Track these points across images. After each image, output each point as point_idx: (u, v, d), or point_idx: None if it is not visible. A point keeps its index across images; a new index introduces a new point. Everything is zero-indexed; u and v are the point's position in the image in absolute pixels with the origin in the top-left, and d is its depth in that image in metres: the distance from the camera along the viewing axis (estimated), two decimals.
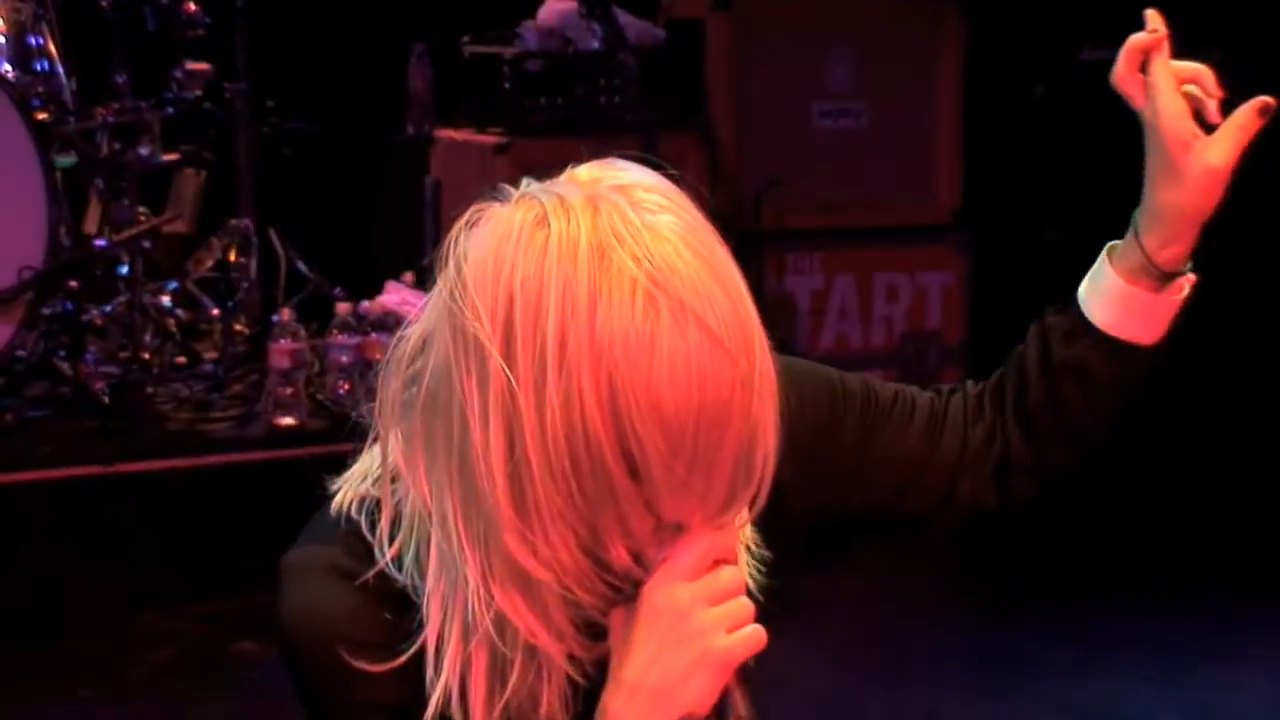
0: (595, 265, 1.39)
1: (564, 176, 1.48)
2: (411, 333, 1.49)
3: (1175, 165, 1.64)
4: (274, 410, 5.31)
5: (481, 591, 1.44)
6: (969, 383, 1.79)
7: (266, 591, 1.54)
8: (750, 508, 1.48)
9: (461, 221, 1.47)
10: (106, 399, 5.26)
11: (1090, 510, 5.30)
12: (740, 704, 1.46)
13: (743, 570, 1.55)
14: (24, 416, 5.22)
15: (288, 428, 5.24)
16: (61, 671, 4.50)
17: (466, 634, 1.46)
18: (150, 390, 5.44)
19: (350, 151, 6.37)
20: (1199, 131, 1.64)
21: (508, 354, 1.39)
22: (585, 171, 1.48)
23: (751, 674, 1.58)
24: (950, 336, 6.47)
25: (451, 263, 1.44)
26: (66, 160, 5.48)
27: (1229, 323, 5.60)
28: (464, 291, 1.42)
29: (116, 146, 5.59)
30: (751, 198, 6.06)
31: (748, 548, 1.58)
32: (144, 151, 5.62)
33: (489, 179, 5.92)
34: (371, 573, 1.49)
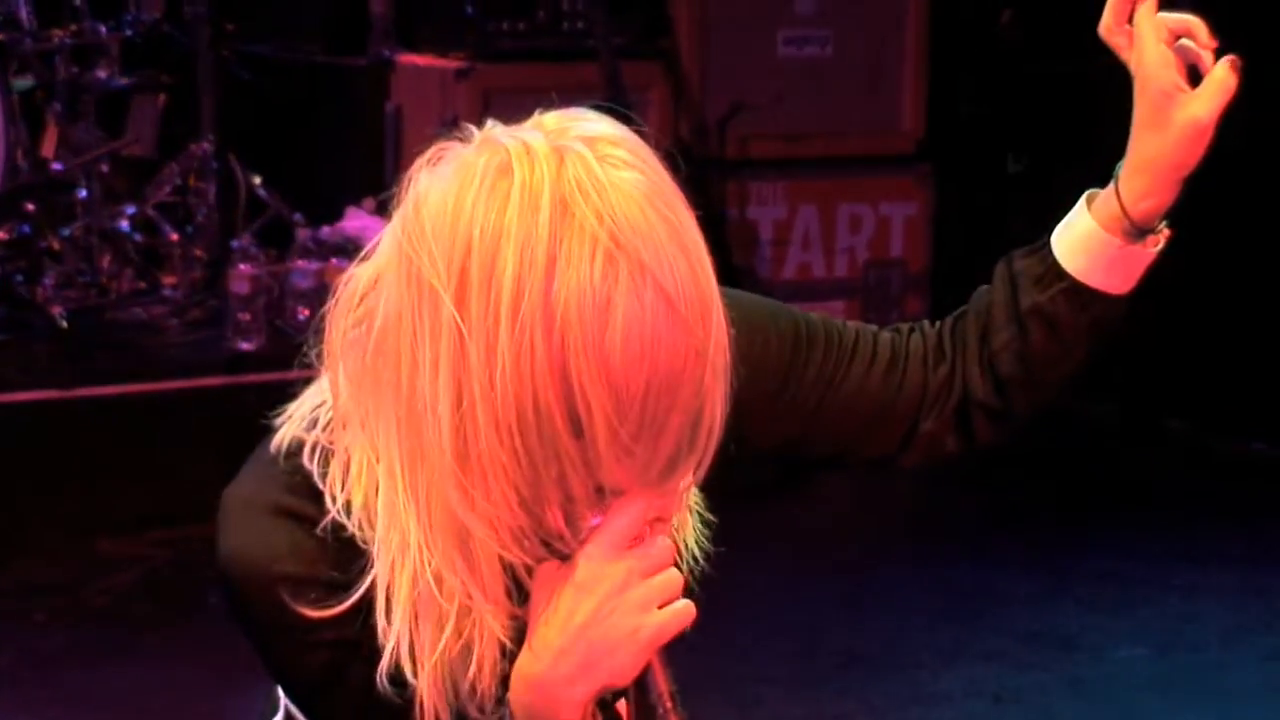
0: (557, 220, 1.35)
1: (530, 122, 1.44)
2: (364, 271, 1.46)
3: (1158, 116, 1.62)
4: (233, 335, 5.29)
5: (422, 545, 1.42)
6: (926, 322, 1.78)
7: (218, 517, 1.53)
8: (694, 473, 1.45)
9: (422, 159, 1.43)
10: (65, 323, 5.23)
11: (1051, 442, 5.34)
12: (660, 678, 1.44)
13: (686, 533, 1.53)
14: None
15: (247, 353, 5.22)
16: (19, 595, 4.49)
17: (414, 582, 1.44)
18: (109, 315, 5.41)
19: (311, 76, 6.32)
20: (1183, 84, 1.62)
21: (461, 305, 1.36)
22: (552, 119, 1.43)
23: (703, 602, 1.58)
24: (913, 266, 6.47)
25: (410, 203, 1.42)
26: (23, 83, 5.43)
27: (1203, 261, 5.63)
28: (421, 236, 1.39)
29: (74, 69, 5.53)
30: (715, 125, 6.04)
31: (693, 510, 1.56)
32: (102, 74, 5.57)
33: (450, 104, 5.88)
34: (325, 521, 1.47)
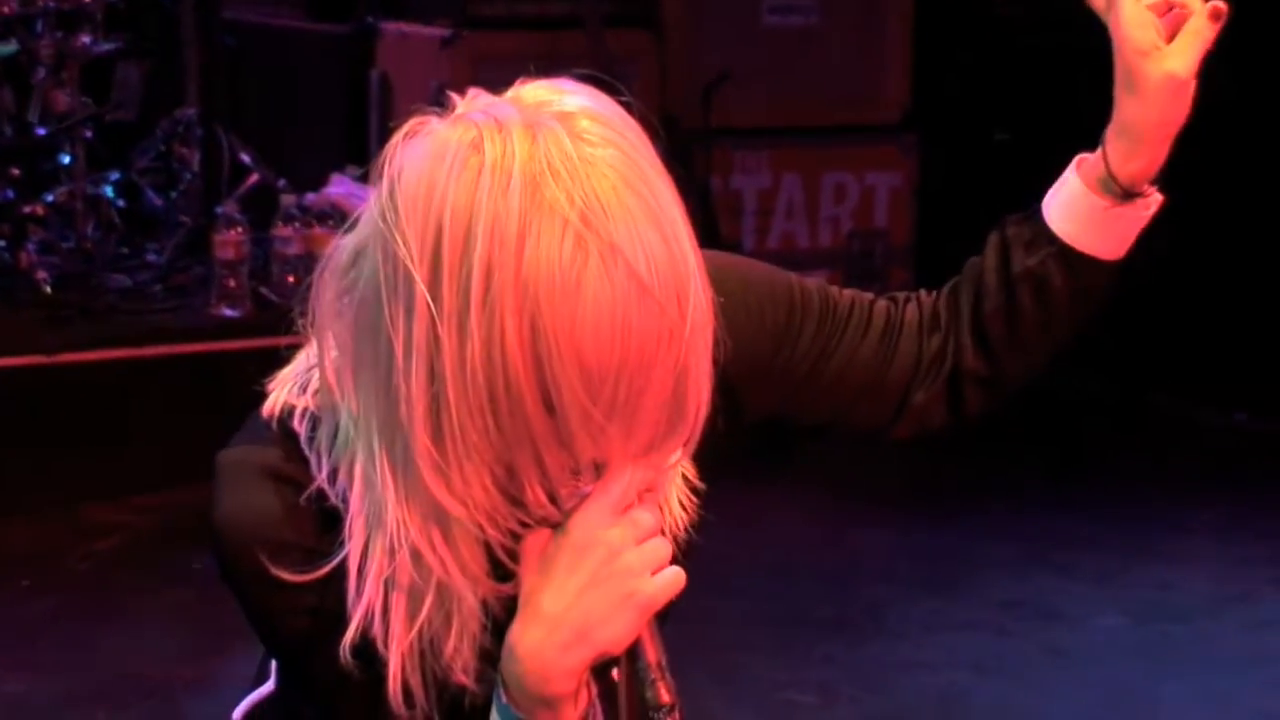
0: (527, 199, 1.34)
1: (510, 94, 1.43)
2: (347, 243, 1.45)
3: (1135, 74, 1.61)
4: (218, 302, 5.28)
5: (399, 520, 1.42)
6: (923, 291, 1.77)
7: (209, 483, 1.53)
8: (684, 447, 1.45)
9: (400, 133, 1.41)
10: (49, 289, 5.22)
11: (1034, 413, 5.35)
12: (650, 647, 1.44)
13: (673, 505, 1.53)
14: None
15: (231, 319, 5.22)
16: (3, 562, 4.49)
17: (391, 555, 1.44)
18: (93, 281, 5.40)
19: (296, 43, 6.30)
20: (1160, 41, 1.60)
21: (433, 284, 1.35)
22: (532, 92, 1.42)
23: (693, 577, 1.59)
24: (897, 237, 6.48)
25: (386, 179, 1.40)
26: (7, 48, 5.41)
27: (1189, 235, 5.64)
28: (395, 215, 1.38)
29: (58, 34, 5.50)
30: (701, 94, 6.03)
31: (684, 477, 1.56)
32: (86, 39, 5.54)
33: (436, 72, 5.86)
34: (311, 489, 1.47)
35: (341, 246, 1.45)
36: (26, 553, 4.56)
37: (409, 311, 1.37)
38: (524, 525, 1.43)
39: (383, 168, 1.41)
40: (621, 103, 1.44)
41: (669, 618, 1.61)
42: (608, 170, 1.36)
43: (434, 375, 1.37)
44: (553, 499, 1.42)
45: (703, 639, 4.07)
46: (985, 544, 4.81)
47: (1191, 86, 1.61)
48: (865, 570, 4.67)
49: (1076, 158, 1.68)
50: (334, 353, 1.46)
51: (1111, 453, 5.59)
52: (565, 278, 1.33)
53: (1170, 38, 1.61)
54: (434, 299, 1.35)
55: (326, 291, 1.45)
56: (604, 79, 1.47)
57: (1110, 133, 1.65)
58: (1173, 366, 5.93)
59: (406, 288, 1.37)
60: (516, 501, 1.42)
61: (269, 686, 1.73)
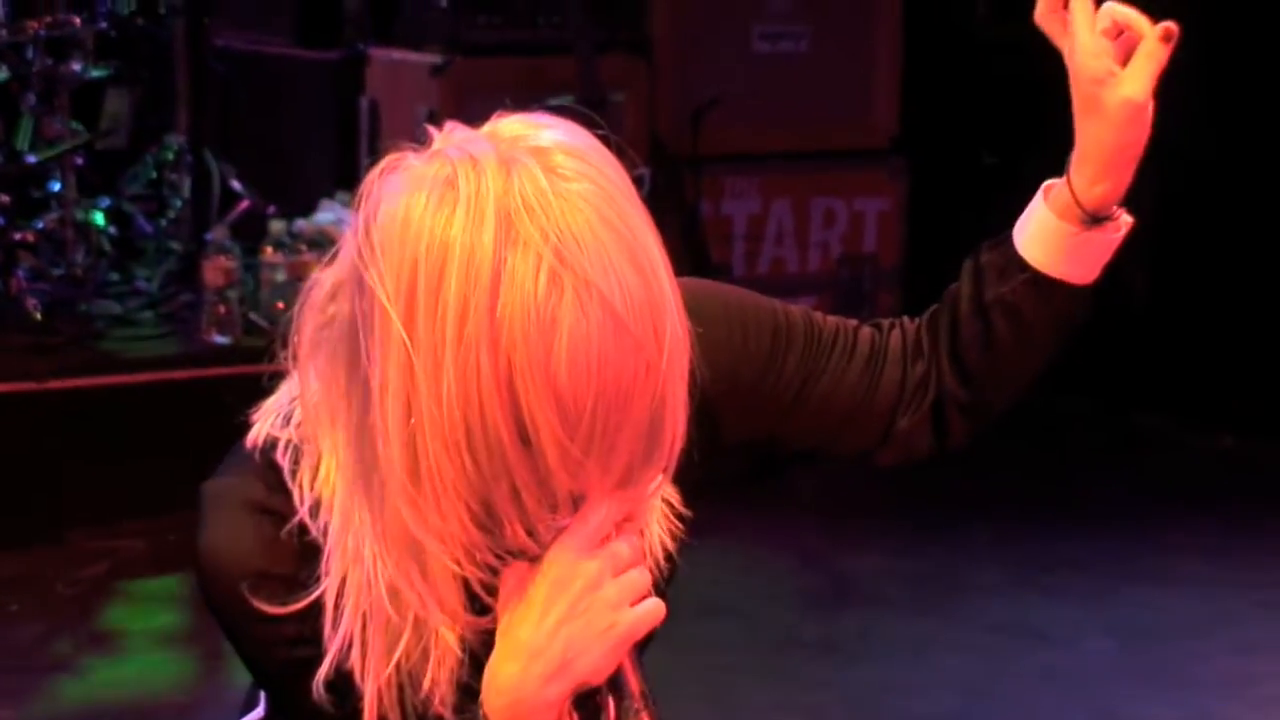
0: (501, 236, 1.34)
1: (487, 128, 1.43)
2: (326, 277, 1.46)
3: (1093, 102, 1.61)
4: (207, 328, 5.28)
5: (376, 555, 1.42)
6: (905, 318, 1.78)
7: (198, 510, 1.54)
8: (661, 476, 1.45)
9: (376, 169, 1.42)
10: (39, 315, 5.22)
11: (1022, 434, 5.36)
12: (632, 677, 1.44)
13: (653, 533, 1.53)
14: None
15: (221, 345, 5.22)
16: None
17: (369, 589, 1.45)
18: (83, 307, 5.40)
19: (285, 69, 6.31)
20: (1114, 67, 1.60)
21: (409, 321, 1.35)
22: (508, 126, 1.42)
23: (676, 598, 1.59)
24: (887, 261, 6.49)
25: (362, 215, 1.40)
26: None
27: (1175, 255, 5.65)
28: (370, 252, 1.38)
29: (49, 61, 5.51)
30: (690, 120, 6.04)
31: (668, 504, 1.56)
32: (76, 66, 5.55)
33: (425, 99, 5.86)
34: (293, 522, 1.48)
35: (321, 280, 1.46)
36: (14, 578, 4.55)
37: (385, 348, 1.37)
38: (501, 560, 1.43)
39: (359, 203, 1.41)
40: (599, 135, 1.44)
41: (650, 645, 1.61)
42: (582, 205, 1.36)
43: (410, 412, 1.36)
44: (530, 534, 1.42)
45: (692, 661, 4.07)
46: (974, 567, 4.81)
47: (1149, 109, 1.62)
48: (854, 593, 4.67)
49: (1044, 184, 1.69)
50: (314, 385, 1.46)
51: (1099, 475, 5.60)
52: (540, 314, 1.34)
53: (1123, 62, 1.61)
54: (409, 336, 1.35)
55: (307, 325, 1.46)
56: (584, 111, 1.48)
57: (1073, 159, 1.65)
58: (1160, 388, 5.94)
59: (383, 325, 1.37)
60: (494, 537, 1.41)
61: (258, 713, 1.73)
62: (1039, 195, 1.68)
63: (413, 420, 1.36)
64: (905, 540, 5.05)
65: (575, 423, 1.35)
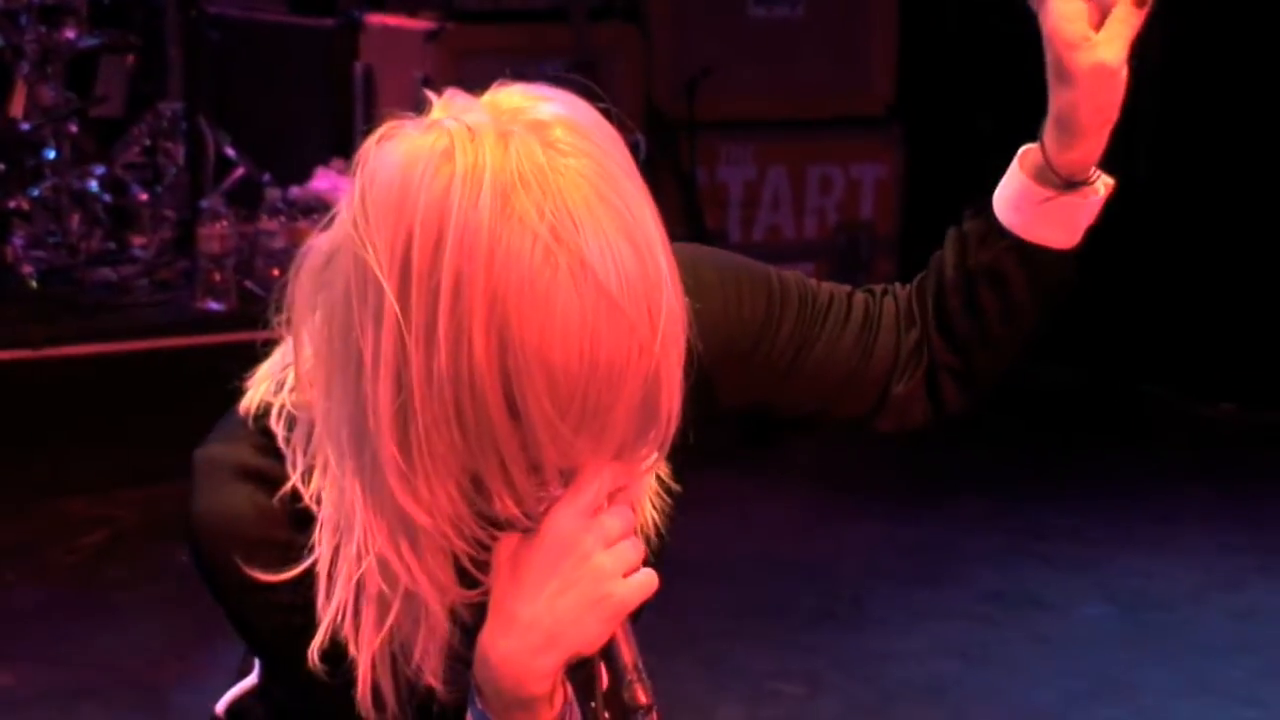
0: (496, 210, 1.32)
1: (486, 97, 1.40)
2: (321, 243, 1.43)
3: (1064, 65, 1.60)
4: (203, 295, 5.28)
5: (366, 527, 1.41)
6: (899, 285, 1.76)
7: (190, 477, 1.54)
8: (656, 452, 1.44)
9: (373, 137, 1.39)
10: (35, 283, 5.22)
11: (1020, 402, 5.36)
12: (625, 648, 1.44)
13: (645, 507, 1.53)
14: None
15: (217, 313, 5.22)
16: None
17: (360, 559, 1.43)
18: (79, 275, 5.40)
19: (279, 36, 6.29)
20: (1089, 32, 1.59)
21: (402, 294, 1.34)
22: (508, 97, 1.40)
23: (671, 562, 1.58)
24: (883, 228, 6.48)
25: (358, 184, 1.38)
26: None
27: (1174, 224, 5.65)
28: (365, 223, 1.36)
29: (42, 29, 5.50)
30: (686, 87, 6.03)
31: (658, 479, 1.55)
32: (70, 34, 5.54)
33: (420, 66, 5.83)
34: (285, 488, 1.47)
35: (316, 246, 1.44)
36: (11, 546, 4.56)
37: (377, 320, 1.36)
38: (493, 536, 1.43)
39: (356, 171, 1.40)
40: (600, 108, 1.43)
41: (642, 616, 1.61)
42: (580, 181, 1.35)
43: (401, 385, 1.35)
44: (521, 508, 1.41)
45: (689, 629, 4.08)
46: (970, 534, 4.82)
47: (1123, 74, 1.60)
48: (850, 560, 4.68)
49: (1021, 149, 1.68)
50: (308, 352, 1.45)
51: (1097, 442, 5.61)
52: (534, 289, 1.32)
53: (1098, 26, 1.60)
54: (402, 309, 1.34)
55: (301, 291, 1.44)
56: (579, 80, 1.46)
57: (1047, 124, 1.64)
58: (1159, 356, 5.94)
59: (376, 296, 1.36)
60: (483, 511, 1.41)
61: (252, 679, 1.73)
62: (1015, 161, 1.67)
63: (403, 393, 1.36)
64: (902, 508, 5.06)
65: (566, 401, 1.34)
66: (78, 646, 4.07)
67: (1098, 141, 1.63)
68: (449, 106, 1.41)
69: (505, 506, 1.40)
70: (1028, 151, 1.66)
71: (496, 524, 1.42)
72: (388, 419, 1.37)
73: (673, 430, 1.43)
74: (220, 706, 1.77)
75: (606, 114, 1.43)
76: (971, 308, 1.69)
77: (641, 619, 1.58)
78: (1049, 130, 1.64)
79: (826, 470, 5.21)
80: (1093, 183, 1.66)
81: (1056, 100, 1.62)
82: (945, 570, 4.59)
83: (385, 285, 1.35)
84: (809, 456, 5.25)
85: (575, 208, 1.34)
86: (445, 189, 1.34)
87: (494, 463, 1.37)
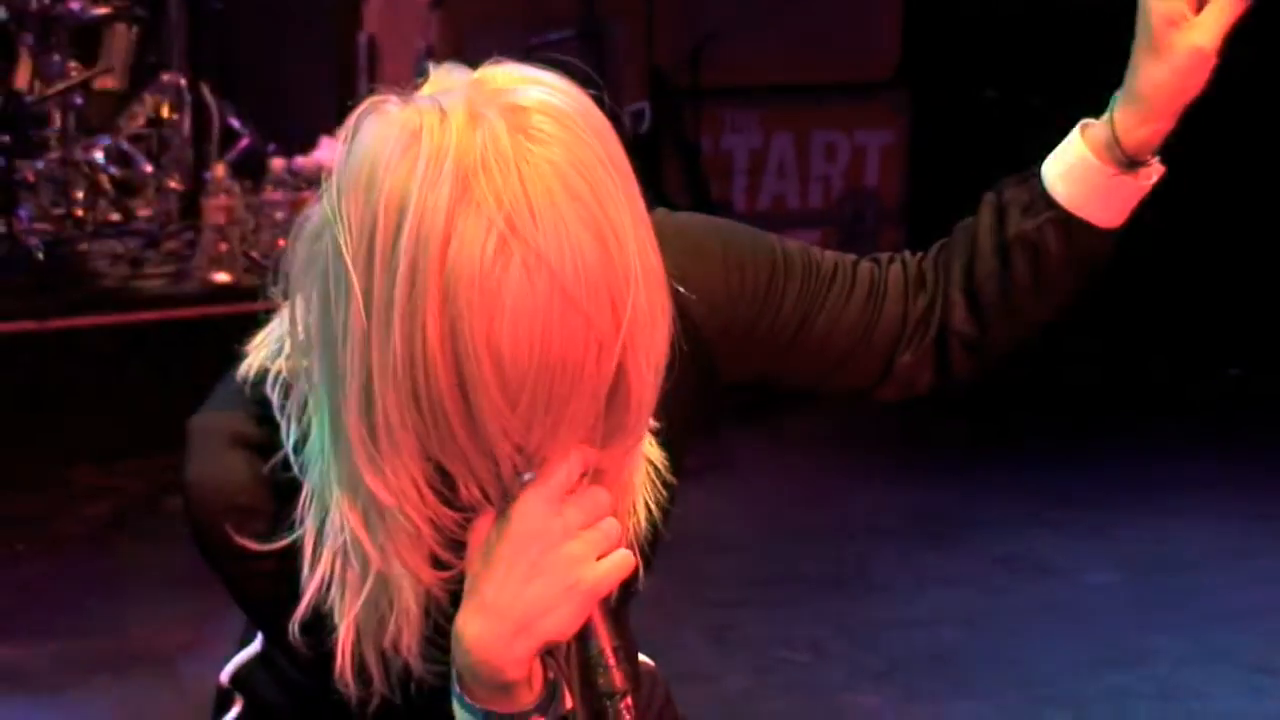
0: (455, 196, 1.31)
1: (476, 75, 1.39)
2: (314, 213, 1.41)
3: (1160, 42, 1.59)
4: (209, 266, 5.28)
5: (341, 506, 1.41)
6: (907, 252, 1.75)
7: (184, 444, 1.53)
8: (625, 441, 1.41)
9: (356, 111, 1.38)
10: (41, 255, 5.22)
11: (1027, 368, 5.35)
12: (602, 632, 1.42)
13: (635, 493, 1.51)
14: None
15: (222, 284, 5.22)
16: None
17: (340, 532, 1.43)
18: (84, 246, 5.40)
19: (283, 6, 6.28)
20: (1188, 12, 1.59)
21: (366, 273, 1.33)
22: (497, 76, 1.38)
23: (671, 540, 1.58)
24: (888, 196, 6.47)
25: (337, 158, 1.37)
26: None
27: (1187, 194, 5.62)
28: (336, 199, 1.35)
29: (46, 0, 5.49)
30: (689, 53, 6.01)
31: (655, 468, 1.53)
32: (74, 5, 5.53)
33: (424, 35, 5.80)
34: (277, 457, 1.46)
35: (310, 216, 1.42)
36: (19, 517, 4.57)
37: (347, 298, 1.35)
38: (463, 521, 1.41)
39: (339, 144, 1.39)
40: (593, 95, 1.40)
41: (630, 599, 1.60)
42: (546, 170, 1.32)
43: (364, 365, 1.35)
44: (486, 495, 1.40)
45: (694, 598, 4.08)
46: (976, 500, 4.82)
47: (1213, 61, 1.60)
48: (855, 527, 4.68)
49: (1081, 122, 1.66)
50: (300, 322, 1.43)
51: (1106, 408, 5.60)
52: (486, 281, 1.30)
53: (1197, 9, 1.59)
54: (364, 289, 1.33)
55: (296, 260, 1.43)
56: (560, 58, 1.43)
57: (1122, 97, 1.63)
58: (1167, 322, 5.94)
59: (345, 276, 1.35)
60: (447, 500, 1.40)
61: (255, 647, 1.73)
62: (1074, 132, 1.66)
63: (365, 373, 1.35)
64: (907, 474, 5.06)
65: (516, 393, 1.33)
66: (87, 617, 4.08)
67: (1168, 123, 1.63)
68: (444, 79, 1.40)
69: (469, 492, 1.39)
70: (1090, 125, 1.65)
71: (464, 508, 1.41)
72: (354, 399, 1.36)
73: (645, 419, 1.41)
74: (224, 675, 1.77)
75: (599, 101, 1.40)
76: (1003, 276, 1.68)
77: (634, 597, 1.57)
78: (1123, 105, 1.63)
79: (830, 437, 5.21)
80: (1150, 164, 1.65)
81: (1140, 76, 1.61)
82: (952, 537, 4.59)
83: (350, 265, 1.34)
84: (812, 423, 5.25)
85: (536, 197, 1.32)
86: (409, 171, 1.33)
87: (451, 449, 1.36)
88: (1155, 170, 1.65)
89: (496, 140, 1.32)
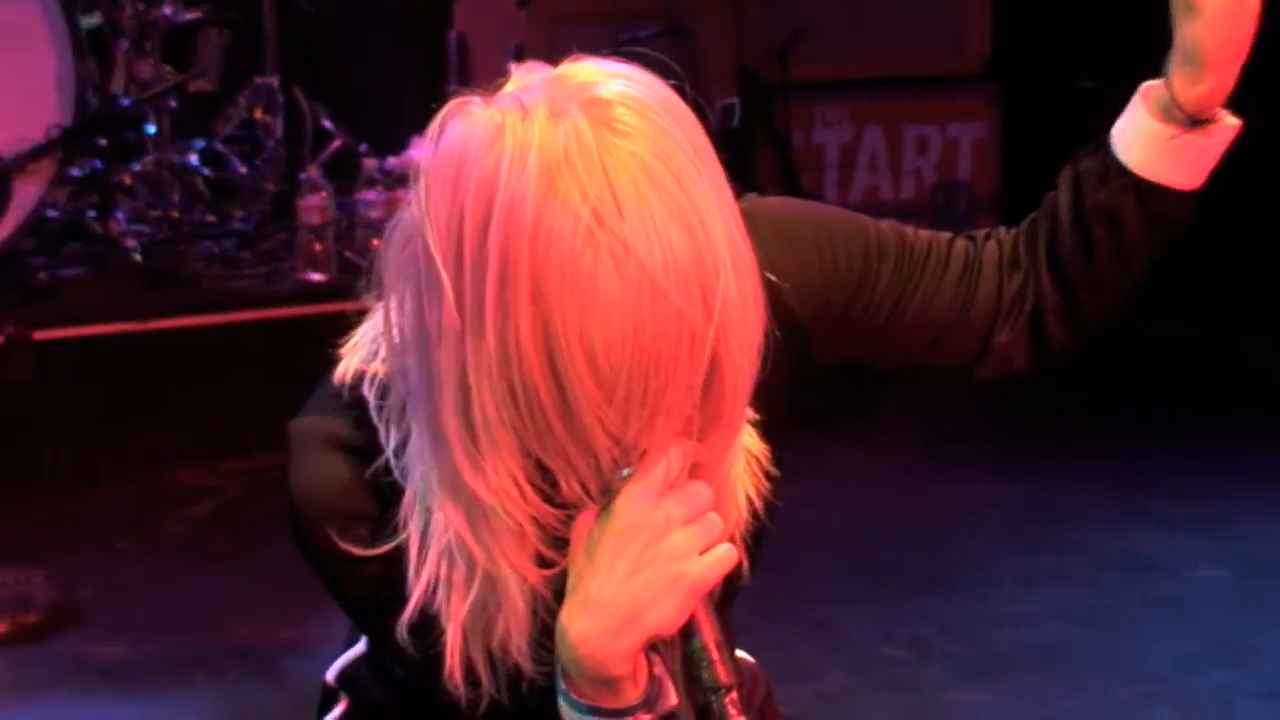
0: (541, 191, 1.31)
1: (557, 71, 1.40)
2: (407, 216, 1.41)
3: None
4: (303, 266, 5.32)
5: (444, 507, 1.40)
6: (1002, 229, 1.74)
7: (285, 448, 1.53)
8: (725, 432, 1.41)
9: (441, 114, 1.39)
10: (138, 257, 5.28)
11: (1130, 360, 5.31)
12: (706, 626, 1.42)
13: (737, 486, 1.50)
14: (57, 275, 5.25)
15: (317, 283, 5.26)
16: (101, 526, 4.55)
17: (443, 539, 1.43)
18: (181, 248, 5.45)
19: (372, 6, 6.31)
20: None
21: (456, 272, 1.33)
22: (579, 71, 1.38)
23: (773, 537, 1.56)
24: (982, 187, 6.43)
25: (423, 160, 1.38)
26: (91, 20, 5.46)
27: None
28: (424, 200, 1.36)
29: (140, 5, 5.55)
30: (778, 49, 5.99)
31: (755, 458, 1.53)
32: (168, 10, 5.59)
33: (514, 33, 5.83)
34: (378, 462, 1.46)
35: (400, 219, 1.42)
36: (122, 517, 4.61)
37: (438, 297, 1.35)
38: (564, 517, 1.41)
39: (424, 147, 1.39)
40: (674, 86, 1.40)
41: (736, 594, 1.59)
42: (630, 161, 1.32)
43: (459, 364, 1.35)
44: (587, 490, 1.39)
45: (794, 594, 4.06)
46: (1080, 496, 4.77)
47: (1255, 5, 1.57)
48: (957, 523, 4.64)
49: (1143, 85, 1.64)
50: (394, 323, 1.43)
51: (1211, 400, 5.52)
52: (575, 276, 1.30)
53: None
54: (455, 288, 1.33)
55: (388, 263, 1.43)
56: (672, 46, 1.42)
57: (1173, 59, 1.60)
58: (1268, 311, 5.85)
59: (435, 273, 1.35)
60: (549, 494, 1.39)
61: (361, 647, 1.74)
62: (1137, 97, 1.64)
63: (460, 372, 1.35)
64: (1009, 470, 5.01)
65: (610, 386, 1.32)
66: (189, 615, 4.11)
67: (1226, 77, 1.60)
68: (524, 78, 1.40)
69: (570, 488, 1.39)
70: (1151, 87, 1.63)
71: (565, 505, 1.40)
72: (451, 399, 1.36)
73: (742, 409, 1.41)
74: (330, 674, 1.78)
75: (681, 92, 1.40)
76: (1084, 247, 1.66)
77: (739, 594, 1.56)
78: (1175, 64, 1.60)
79: (929, 433, 5.18)
80: (1219, 121, 1.62)
81: (1183, 32, 1.59)
82: (1054, 533, 4.54)
83: (439, 265, 1.34)
84: (912, 419, 5.21)
85: (621, 190, 1.31)
86: (494, 168, 1.32)
87: (550, 444, 1.35)
88: (1226, 127, 1.62)
89: (579, 134, 1.32)
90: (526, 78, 1.39)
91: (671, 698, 1.47)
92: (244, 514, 4.62)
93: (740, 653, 1.81)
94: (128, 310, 5.03)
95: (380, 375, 1.48)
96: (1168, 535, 4.51)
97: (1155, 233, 1.66)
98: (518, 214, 1.31)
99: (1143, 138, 1.63)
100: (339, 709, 1.77)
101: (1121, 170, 1.64)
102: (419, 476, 1.44)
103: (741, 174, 5.70)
